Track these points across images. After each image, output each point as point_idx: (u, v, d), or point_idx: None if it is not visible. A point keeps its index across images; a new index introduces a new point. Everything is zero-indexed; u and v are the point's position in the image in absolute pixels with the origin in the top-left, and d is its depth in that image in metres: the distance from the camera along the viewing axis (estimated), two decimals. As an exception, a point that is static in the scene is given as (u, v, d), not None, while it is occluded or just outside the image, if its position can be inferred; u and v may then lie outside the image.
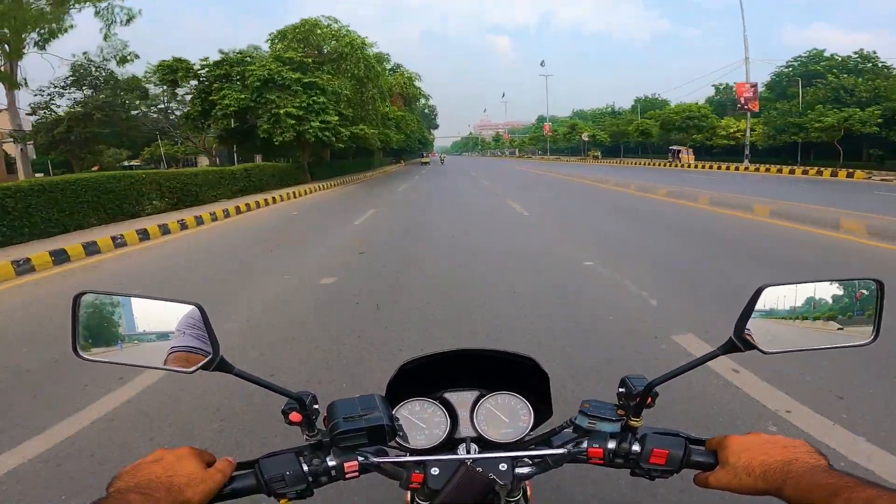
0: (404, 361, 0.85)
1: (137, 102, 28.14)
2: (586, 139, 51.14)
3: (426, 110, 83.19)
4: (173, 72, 20.84)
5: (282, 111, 19.74)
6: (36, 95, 24.46)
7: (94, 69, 25.29)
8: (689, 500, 1.89)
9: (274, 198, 16.00)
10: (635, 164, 42.91)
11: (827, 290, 0.72)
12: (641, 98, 71.85)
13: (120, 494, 0.57)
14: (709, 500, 1.41)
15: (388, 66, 50.59)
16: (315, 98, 20.94)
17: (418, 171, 41.17)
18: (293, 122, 19.88)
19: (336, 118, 21.65)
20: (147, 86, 26.38)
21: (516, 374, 0.89)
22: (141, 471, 0.61)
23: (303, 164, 24.66)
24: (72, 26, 20.83)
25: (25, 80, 20.70)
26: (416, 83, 52.22)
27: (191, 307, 0.67)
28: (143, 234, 9.27)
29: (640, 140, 46.14)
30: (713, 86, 53.17)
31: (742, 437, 0.68)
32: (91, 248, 7.90)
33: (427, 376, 0.88)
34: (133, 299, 0.68)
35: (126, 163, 47.91)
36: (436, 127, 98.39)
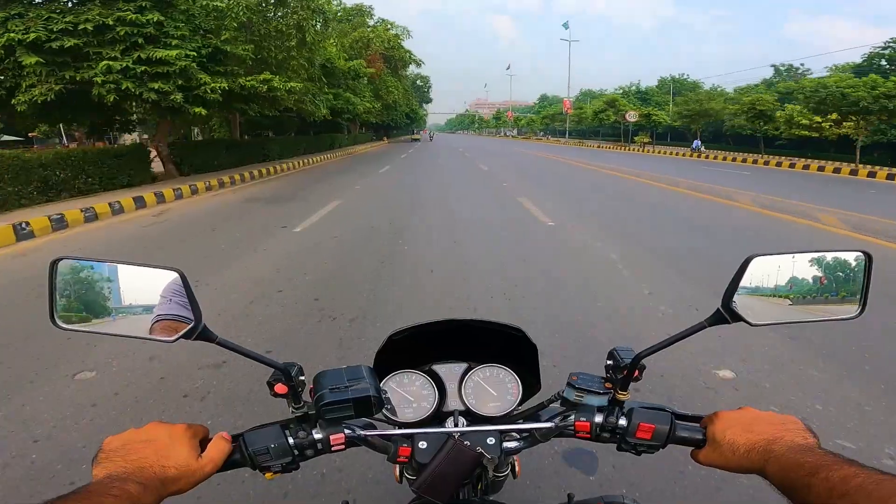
0: (393, 331, 0.83)
1: None
2: (632, 120, 37.66)
3: (418, 81, 69.93)
4: None
5: (4, 39, 8.16)
6: None
7: None
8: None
9: None
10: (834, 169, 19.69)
11: (815, 262, 0.70)
12: (668, 78, 61.88)
13: (119, 483, 0.52)
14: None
15: (372, 22, 39.10)
16: (125, 15, 9.38)
17: (396, 155, 28.39)
18: (38, 61, 8.29)
19: (184, 51, 10.11)
20: None
21: (505, 346, 0.88)
22: (132, 453, 0.57)
23: (155, 146, 13.19)
24: None
25: None
26: (405, 42, 40.46)
27: (173, 273, 0.63)
28: None
29: (746, 124, 29.03)
30: (772, 66, 42.16)
31: (731, 413, 0.66)
32: None
33: (415, 348, 0.87)
34: (116, 265, 0.64)
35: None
36: (429, 101, 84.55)
